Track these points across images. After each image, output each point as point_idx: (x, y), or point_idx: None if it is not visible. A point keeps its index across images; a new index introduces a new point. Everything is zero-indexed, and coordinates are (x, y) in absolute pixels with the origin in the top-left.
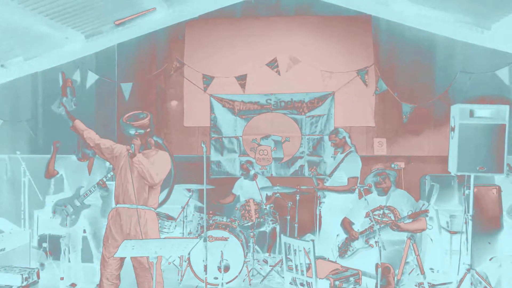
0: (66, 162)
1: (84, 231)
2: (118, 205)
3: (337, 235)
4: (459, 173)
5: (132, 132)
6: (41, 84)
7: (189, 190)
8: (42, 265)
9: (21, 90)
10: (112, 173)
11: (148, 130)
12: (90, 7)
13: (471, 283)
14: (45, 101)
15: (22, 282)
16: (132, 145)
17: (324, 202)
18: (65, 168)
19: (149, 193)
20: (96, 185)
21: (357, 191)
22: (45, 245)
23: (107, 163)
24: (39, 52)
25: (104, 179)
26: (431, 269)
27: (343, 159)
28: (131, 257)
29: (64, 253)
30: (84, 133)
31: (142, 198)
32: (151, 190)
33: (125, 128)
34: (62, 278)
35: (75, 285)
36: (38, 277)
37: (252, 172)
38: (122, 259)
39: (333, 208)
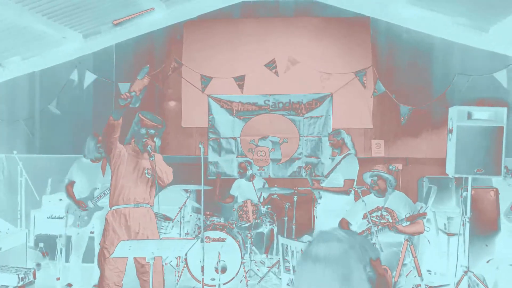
0: (79, 163)
1: (92, 232)
2: (122, 206)
3: None
4: (456, 175)
5: (143, 131)
6: (38, 83)
7: (186, 190)
8: (38, 265)
9: (18, 89)
10: None
11: (157, 133)
12: (88, 6)
13: (468, 285)
14: (42, 101)
15: (18, 282)
16: (149, 146)
17: (319, 203)
18: (79, 169)
19: (150, 192)
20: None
21: (352, 193)
22: (41, 245)
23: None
24: (37, 52)
25: None
26: (429, 271)
27: (340, 161)
28: (134, 258)
29: (60, 253)
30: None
31: (146, 197)
32: (151, 189)
33: (137, 123)
34: (58, 278)
35: (71, 285)
36: (34, 277)
37: (249, 173)
38: (126, 262)
39: (328, 210)
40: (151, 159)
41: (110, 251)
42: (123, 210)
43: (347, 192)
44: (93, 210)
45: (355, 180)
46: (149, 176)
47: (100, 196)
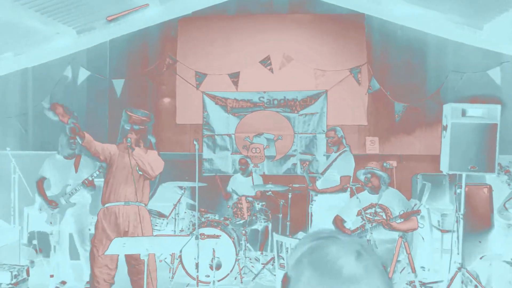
0: (52, 159)
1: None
2: (115, 203)
3: None
4: (450, 172)
5: (128, 127)
6: (31, 80)
7: (181, 187)
8: (31, 262)
9: (11, 85)
10: (97, 172)
11: (145, 128)
12: (82, 2)
13: (462, 282)
14: (35, 97)
15: (12, 280)
16: (129, 138)
17: (315, 201)
18: (51, 165)
19: (142, 190)
20: (81, 184)
21: (349, 190)
22: (34, 242)
23: (96, 161)
24: (30, 48)
25: (90, 178)
26: (422, 267)
27: (336, 158)
28: (126, 256)
29: (53, 250)
30: (95, 145)
31: (138, 195)
32: (144, 186)
33: (124, 121)
34: (52, 276)
35: (65, 282)
36: (28, 274)
37: (250, 168)
38: (116, 260)
39: (325, 207)
40: (132, 150)
41: (98, 249)
42: (114, 208)
43: (343, 189)
44: (66, 207)
45: (351, 177)
46: (141, 173)
47: (72, 193)
